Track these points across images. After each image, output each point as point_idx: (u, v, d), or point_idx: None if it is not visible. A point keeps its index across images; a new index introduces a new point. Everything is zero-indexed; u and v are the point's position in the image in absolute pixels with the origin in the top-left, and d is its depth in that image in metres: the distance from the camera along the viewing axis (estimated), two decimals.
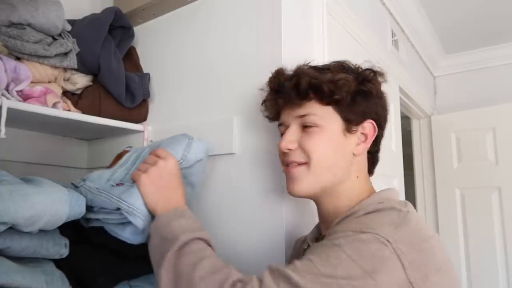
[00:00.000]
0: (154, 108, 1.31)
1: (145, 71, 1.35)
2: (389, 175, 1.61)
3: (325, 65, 0.81)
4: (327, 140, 0.75)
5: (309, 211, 1.02)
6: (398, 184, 1.66)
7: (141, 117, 1.30)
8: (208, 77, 1.16)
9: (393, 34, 1.92)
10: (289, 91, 0.76)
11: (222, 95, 1.11)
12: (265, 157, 0.99)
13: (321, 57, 1.14)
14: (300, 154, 0.76)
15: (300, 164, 0.75)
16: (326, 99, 0.74)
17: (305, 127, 0.76)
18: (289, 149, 0.76)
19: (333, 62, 0.81)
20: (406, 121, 2.56)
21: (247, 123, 1.04)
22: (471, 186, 2.13)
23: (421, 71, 2.44)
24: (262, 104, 0.87)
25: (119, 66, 1.22)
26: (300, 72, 0.77)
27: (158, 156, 0.81)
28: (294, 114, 0.77)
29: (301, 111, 0.76)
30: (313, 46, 1.15)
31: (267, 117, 0.88)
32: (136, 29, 1.39)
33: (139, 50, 1.40)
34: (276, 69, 0.83)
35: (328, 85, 0.72)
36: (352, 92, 0.74)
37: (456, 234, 2.08)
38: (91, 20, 1.22)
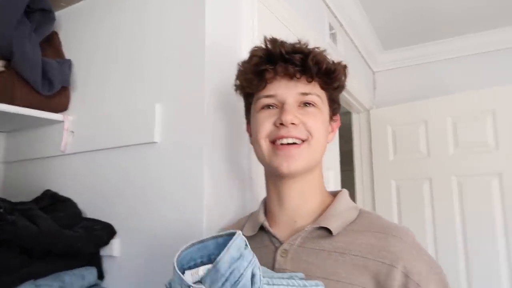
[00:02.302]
0: (76, 97, 1.23)
1: (68, 57, 1.27)
2: (325, 166, 1.63)
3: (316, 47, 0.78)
4: (322, 122, 0.76)
5: (230, 202, 1.00)
6: (334, 176, 1.69)
7: (61, 106, 1.21)
8: (132, 64, 1.11)
9: (330, 28, 1.95)
10: (299, 65, 0.73)
11: (145, 83, 1.07)
12: (188, 146, 0.95)
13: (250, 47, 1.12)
14: (302, 130, 0.73)
15: (301, 142, 0.73)
16: (329, 84, 0.76)
17: (304, 106, 0.74)
18: (293, 124, 0.73)
19: (316, 47, 0.77)
20: (347, 116, 2.63)
21: (170, 110, 1.00)
22: (406, 177, 2.22)
23: (360, 66, 2.51)
24: (239, 75, 0.80)
25: (34, 51, 1.13)
26: (313, 51, 0.75)
27: None
28: (296, 90, 0.74)
29: (306, 88, 0.74)
30: (241, 35, 1.13)
31: (244, 90, 0.80)
32: (58, 13, 1.30)
33: (62, 36, 1.32)
34: (269, 37, 0.77)
35: (338, 74, 0.76)
36: (342, 82, 0.78)
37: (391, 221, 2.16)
38: (4, 1, 1.12)
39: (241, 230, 0.81)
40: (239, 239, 0.54)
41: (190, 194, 0.92)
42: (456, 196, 2.01)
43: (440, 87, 2.47)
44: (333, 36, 1.98)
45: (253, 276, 0.52)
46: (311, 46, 0.76)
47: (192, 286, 0.51)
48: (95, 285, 0.95)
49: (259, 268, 0.54)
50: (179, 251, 0.56)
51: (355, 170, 2.51)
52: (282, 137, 0.72)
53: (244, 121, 0.86)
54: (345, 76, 0.79)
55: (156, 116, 1.00)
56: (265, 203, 0.82)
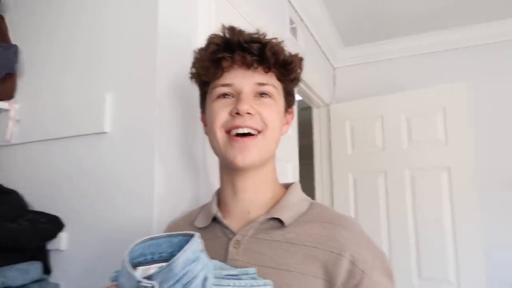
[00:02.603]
0: (23, 84, 1.17)
1: (15, 43, 1.20)
2: (284, 159, 1.65)
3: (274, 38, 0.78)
4: (278, 113, 0.76)
5: (184, 193, 0.99)
6: (292, 168, 1.72)
7: (6, 94, 1.15)
8: (82, 51, 1.07)
9: (291, 22, 1.97)
10: (256, 54, 0.72)
11: (96, 71, 1.03)
12: (139, 136, 0.93)
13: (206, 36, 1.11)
14: (258, 120, 0.72)
15: (257, 132, 0.72)
16: (286, 76, 0.76)
17: (260, 96, 0.74)
18: (249, 113, 0.72)
19: (273, 38, 0.77)
20: (308, 111, 2.67)
21: (122, 100, 0.97)
22: (362, 170, 2.28)
23: (321, 62, 2.55)
24: (195, 62, 0.78)
25: None
26: (270, 41, 0.74)
27: None
28: (253, 79, 0.73)
29: (263, 79, 0.74)
30: (197, 25, 1.12)
31: (200, 78, 0.79)
32: None
33: (9, 20, 1.24)
34: (227, 26, 0.76)
35: (295, 65, 0.76)
36: (299, 75, 0.79)
37: (348, 213, 2.23)
38: None
39: (193, 222, 0.81)
40: (197, 242, 0.54)
41: (141, 185, 0.91)
42: (409, 188, 2.10)
43: (396, 83, 2.56)
44: (293, 30, 2.00)
45: (205, 279, 0.52)
46: (269, 37, 0.76)
47: (141, 282, 0.50)
48: (40, 280, 0.92)
49: (213, 272, 0.55)
50: (131, 246, 0.55)
51: (314, 163, 2.56)
52: (237, 127, 0.72)
53: (199, 110, 0.85)
54: (301, 68, 0.80)
55: (106, 106, 0.96)
56: (219, 195, 0.82)
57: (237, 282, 0.54)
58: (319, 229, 0.70)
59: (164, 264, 0.51)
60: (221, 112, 0.73)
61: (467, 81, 2.14)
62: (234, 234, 0.73)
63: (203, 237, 0.76)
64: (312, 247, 0.67)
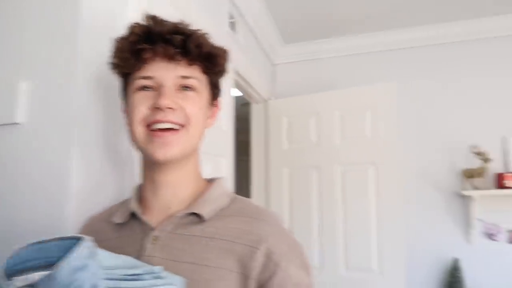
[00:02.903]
0: None
1: None
2: (218, 154, 1.65)
3: (199, 30, 0.75)
4: (202, 107, 0.74)
5: (107, 189, 0.96)
6: (226, 163, 1.72)
7: None
8: None
9: (230, 17, 1.96)
10: (179, 47, 0.69)
11: (8, 56, 0.95)
12: (57, 128, 0.88)
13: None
14: (180, 115, 0.70)
15: (179, 127, 0.70)
16: (210, 69, 0.75)
17: (183, 89, 0.71)
18: (170, 108, 0.69)
19: (198, 29, 0.74)
20: (247, 107, 2.69)
21: (38, 88, 0.91)
22: (297, 165, 2.35)
23: (261, 58, 2.57)
24: (115, 52, 0.74)
25: None
26: (195, 33, 0.72)
27: None
28: (175, 72, 0.71)
29: (186, 71, 0.71)
30: (126, 11, 1.07)
31: (120, 69, 0.75)
32: None
33: None
34: (149, 15, 0.72)
35: (220, 58, 0.75)
36: (224, 67, 0.78)
37: (282, 207, 2.29)
38: None
39: (111, 218, 0.78)
40: (85, 248, 0.49)
41: (55, 181, 0.86)
42: (339, 182, 2.20)
43: (332, 81, 2.66)
44: (232, 25, 2.00)
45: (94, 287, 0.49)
46: (193, 28, 0.74)
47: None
48: None
49: (104, 281, 0.51)
50: (15, 250, 0.51)
51: (251, 159, 2.59)
52: (158, 122, 0.69)
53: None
54: (227, 60, 0.79)
55: (19, 95, 0.90)
56: (139, 190, 0.80)
57: (137, 283, 0.51)
58: (239, 223, 0.70)
59: (47, 272, 0.47)
60: (141, 106, 0.71)
61: (394, 80, 2.27)
62: (152, 229, 0.71)
63: (120, 233, 0.74)
64: (230, 242, 0.68)
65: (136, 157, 1.04)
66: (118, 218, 0.77)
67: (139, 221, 0.74)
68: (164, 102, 0.68)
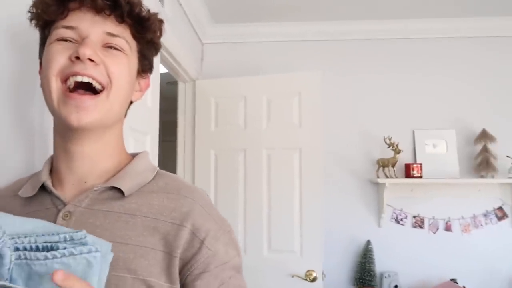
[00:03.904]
0: None
1: None
2: (142, 131, 1.56)
3: None
4: (128, 71, 0.67)
5: (14, 160, 0.84)
6: (151, 140, 1.63)
7: None
8: None
9: None
10: (110, 3, 0.62)
11: None
12: None
13: None
14: (102, 72, 0.62)
15: (100, 88, 0.62)
16: (142, 33, 0.69)
17: (109, 48, 0.64)
18: (92, 60, 0.60)
19: None
20: (174, 86, 2.58)
21: None
22: (224, 148, 2.32)
23: (189, 35, 2.48)
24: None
25: None
26: None
27: None
28: (102, 27, 0.63)
29: (114, 29, 0.65)
30: None
31: (40, 17, 0.65)
32: None
33: None
34: None
35: (152, 24, 0.69)
36: (156, 37, 0.72)
37: (209, 190, 2.25)
38: None
39: (18, 191, 0.68)
40: None
41: None
42: (265, 166, 2.22)
43: (260, 66, 2.66)
44: None
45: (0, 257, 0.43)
46: None
47: None
48: None
49: (11, 247, 0.45)
50: None
51: (177, 139, 2.50)
52: (76, 74, 0.61)
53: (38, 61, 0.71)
54: (160, 31, 0.72)
55: None
56: (52, 161, 0.71)
57: (50, 254, 0.45)
58: (163, 200, 0.66)
59: None
60: (59, 56, 0.62)
61: (321, 69, 2.35)
62: (65, 204, 0.64)
63: (28, 208, 0.65)
64: (153, 219, 0.63)
65: (49, 127, 0.92)
66: (25, 192, 0.68)
67: (50, 195, 0.66)
68: (86, 51, 0.60)
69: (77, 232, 0.49)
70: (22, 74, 0.85)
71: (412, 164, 2.41)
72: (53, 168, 0.70)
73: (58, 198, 0.64)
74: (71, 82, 0.61)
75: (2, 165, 0.80)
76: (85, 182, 0.67)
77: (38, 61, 0.71)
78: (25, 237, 0.47)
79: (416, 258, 2.47)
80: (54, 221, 0.61)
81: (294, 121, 2.24)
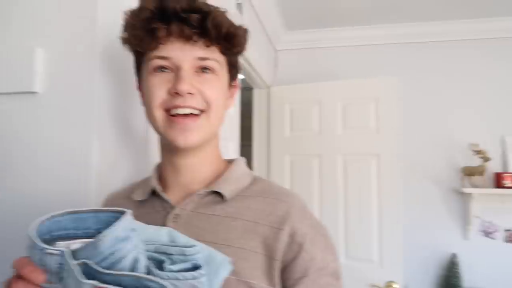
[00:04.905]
0: None
1: None
2: (225, 137, 1.62)
3: (215, 6, 0.70)
4: (222, 90, 0.71)
5: (122, 165, 0.92)
6: (233, 147, 1.69)
7: None
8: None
9: None
10: (196, 27, 0.65)
11: (25, 22, 0.90)
12: (77, 99, 0.84)
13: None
14: (199, 100, 0.67)
15: (198, 113, 0.66)
16: (230, 49, 0.71)
17: (201, 71, 0.67)
18: (190, 93, 0.65)
19: (216, 7, 0.69)
20: (249, 92, 2.65)
21: (55, 57, 0.85)
22: (299, 153, 2.34)
23: (264, 43, 2.53)
24: (127, 28, 0.69)
25: None
26: (213, 11, 0.66)
27: None
28: (192, 54, 0.66)
29: (204, 53, 0.67)
30: None
31: (133, 47, 0.70)
32: None
33: None
34: None
35: (240, 39, 0.71)
36: (244, 47, 0.74)
37: None
38: None
39: (132, 195, 0.75)
40: (128, 220, 0.48)
41: (78, 153, 0.82)
42: (341, 172, 2.19)
43: (334, 71, 2.64)
44: (239, 6, 1.95)
45: (136, 261, 0.47)
46: (211, 5, 0.69)
47: (46, 249, 0.45)
48: None
49: (145, 254, 0.49)
50: (48, 215, 0.48)
51: (253, 144, 2.57)
52: (177, 107, 0.66)
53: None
54: (246, 41, 0.74)
55: (37, 62, 0.85)
56: (159, 168, 0.77)
57: (157, 272, 0.47)
58: (261, 204, 0.68)
59: (89, 240, 0.45)
60: (159, 91, 0.67)
61: (398, 74, 2.27)
62: (173, 208, 0.69)
63: (141, 210, 0.72)
64: (253, 222, 0.66)
65: (151, 136, 1.00)
66: (138, 196, 0.75)
67: (160, 199, 0.72)
68: (183, 87, 0.64)
69: (191, 247, 0.51)
70: (128, 84, 0.93)
71: (503, 173, 2.23)
72: (160, 175, 0.76)
73: (167, 202, 0.70)
74: (173, 113, 0.67)
75: (114, 171, 0.89)
76: (189, 187, 0.72)
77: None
78: (147, 244, 0.51)
79: (509, 277, 2.26)
80: (164, 223, 0.67)
81: (371, 126, 2.19)
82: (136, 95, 0.94)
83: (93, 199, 0.80)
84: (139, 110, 0.97)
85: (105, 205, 0.79)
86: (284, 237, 0.64)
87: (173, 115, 0.67)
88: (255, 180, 0.74)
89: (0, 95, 0.88)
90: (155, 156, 0.95)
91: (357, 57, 2.67)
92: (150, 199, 0.73)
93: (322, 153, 2.26)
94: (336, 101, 2.29)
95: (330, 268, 0.67)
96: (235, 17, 1.85)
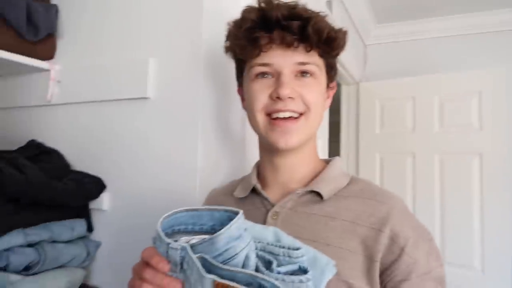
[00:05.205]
0: (63, 45, 1.17)
1: (55, 3, 1.20)
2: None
3: (315, 12, 0.73)
4: (320, 92, 0.73)
5: (223, 163, 0.99)
6: (322, 144, 1.70)
7: (46, 54, 1.15)
8: (126, 14, 1.05)
9: None
10: (297, 33, 0.67)
11: (139, 35, 1.02)
12: (183, 103, 0.93)
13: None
14: (299, 103, 0.69)
15: (297, 116, 0.70)
16: (329, 52, 0.72)
17: (301, 75, 0.70)
18: (291, 97, 0.69)
19: (316, 12, 0.72)
20: (337, 87, 2.62)
21: (165, 66, 0.96)
22: (390, 151, 2.25)
23: (353, 38, 2.47)
24: (230, 37, 0.75)
25: None
26: (313, 17, 0.68)
27: None
28: (293, 59, 0.69)
29: (304, 58, 0.70)
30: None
31: (236, 56, 0.76)
32: None
33: None
34: None
35: (340, 41, 0.72)
36: (343, 49, 0.75)
37: None
38: None
39: (233, 192, 0.81)
40: (241, 220, 0.52)
41: (184, 155, 0.91)
42: (438, 172, 2.06)
43: (429, 65, 2.48)
44: (329, 4, 1.94)
45: (247, 258, 0.51)
46: (310, 10, 0.70)
47: (170, 244, 0.50)
48: (84, 237, 0.94)
49: (255, 252, 0.53)
50: (170, 212, 0.54)
51: (341, 141, 2.53)
52: (278, 111, 0.69)
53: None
54: (345, 43, 0.75)
55: (149, 70, 0.95)
56: (258, 167, 0.82)
57: (265, 272, 0.50)
58: (360, 205, 0.68)
59: (206, 236, 0.50)
60: (261, 95, 0.71)
61: (504, 65, 2.05)
62: (272, 205, 0.72)
63: (241, 207, 0.76)
64: (352, 223, 0.66)
65: (248, 136, 1.06)
66: (239, 193, 0.79)
67: (260, 196, 0.75)
68: (285, 92, 0.67)
69: (297, 249, 0.53)
70: (227, 89, 1.00)
71: None
72: (259, 173, 0.80)
73: (266, 199, 0.74)
74: (274, 116, 0.70)
75: (215, 170, 0.96)
76: (288, 186, 0.75)
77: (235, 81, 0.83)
78: (258, 242, 0.54)
79: None
80: (264, 220, 0.71)
81: (473, 123, 2.02)
82: (234, 99, 1.01)
83: (197, 196, 0.88)
84: (237, 113, 1.04)
85: (208, 201, 0.85)
86: (384, 239, 0.63)
87: (274, 119, 0.70)
88: (353, 180, 0.75)
89: (120, 101, 1.01)
90: (252, 155, 1.01)
91: (454, 48, 2.46)
92: (250, 196, 0.77)
93: (416, 152, 2.15)
94: (433, 96, 2.15)
95: (434, 273, 0.65)
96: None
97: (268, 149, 0.76)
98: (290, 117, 0.69)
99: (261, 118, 0.72)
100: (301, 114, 0.70)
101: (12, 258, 0.78)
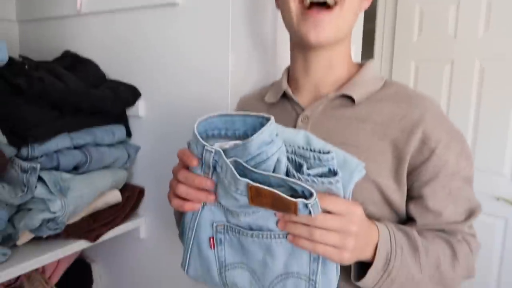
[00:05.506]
0: None
1: None
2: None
3: None
4: None
5: (253, 69, 0.99)
6: (355, 51, 1.64)
7: None
8: None
9: None
10: None
11: None
12: (213, 9, 0.90)
13: None
14: None
15: (333, 3, 0.66)
16: None
17: None
18: None
19: None
20: None
21: None
22: (427, 59, 2.14)
23: None
24: None
25: None
26: None
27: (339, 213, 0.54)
28: None
29: None
30: None
31: None
32: None
33: None
34: None
35: None
36: None
37: None
38: None
39: (264, 98, 0.82)
40: (273, 125, 0.53)
41: (215, 60, 0.91)
42: (477, 79, 1.96)
43: None
44: None
45: (278, 162, 0.53)
46: None
47: (206, 146, 0.53)
48: (124, 141, 1.01)
49: (286, 156, 0.54)
50: (205, 116, 0.56)
51: (374, 50, 2.42)
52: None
53: None
54: None
55: None
56: (289, 71, 0.81)
57: (296, 176, 0.51)
58: (393, 108, 0.68)
59: (239, 142, 0.52)
60: None
61: None
62: (303, 109, 0.73)
63: (272, 112, 0.78)
64: (382, 125, 0.67)
65: (280, 40, 1.04)
66: (270, 98, 0.80)
67: (290, 101, 0.76)
68: None
69: (327, 153, 0.53)
70: None
71: None
72: (289, 78, 0.80)
73: (297, 103, 0.75)
74: (307, 2, 0.67)
75: (246, 76, 0.97)
76: (319, 90, 0.75)
77: None
78: (289, 146, 0.55)
79: None
80: (295, 124, 0.73)
81: None
82: (266, 3, 0.97)
83: (228, 102, 0.90)
84: (268, 17, 1.00)
85: (239, 107, 0.88)
86: (415, 142, 0.64)
87: (308, 8, 0.67)
88: (387, 84, 0.74)
89: (145, 8, 0.99)
90: (283, 60, 1.00)
91: None
92: (281, 101, 0.78)
93: (454, 58, 2.03)
94: None
95: (463, 173, 0.66)
96: None
97: (300, 47, 0.74)
98: (325, 3, 0.66)
99: (293, 5, 0.69)
100: (335, 4, 0.66)
101: (61, 158, 0.85)
